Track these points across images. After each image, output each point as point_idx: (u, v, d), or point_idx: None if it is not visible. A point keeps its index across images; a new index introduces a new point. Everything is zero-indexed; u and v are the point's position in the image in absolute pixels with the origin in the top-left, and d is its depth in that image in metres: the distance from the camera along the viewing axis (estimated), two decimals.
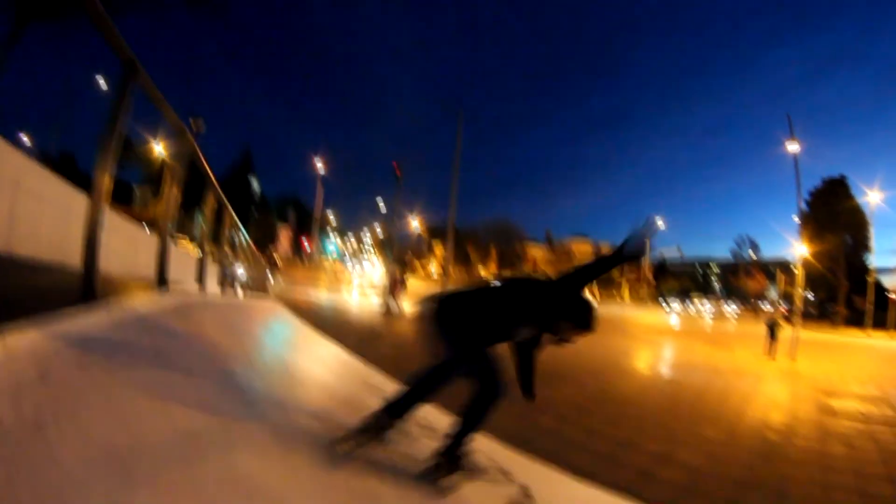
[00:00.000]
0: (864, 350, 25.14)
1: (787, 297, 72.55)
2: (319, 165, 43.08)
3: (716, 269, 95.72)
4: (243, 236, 8.97)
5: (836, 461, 5.84)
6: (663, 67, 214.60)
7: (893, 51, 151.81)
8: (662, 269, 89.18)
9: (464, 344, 2.69)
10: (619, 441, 5.91)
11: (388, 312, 17.86)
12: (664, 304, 59.03)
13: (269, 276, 19.45)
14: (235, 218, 7.18)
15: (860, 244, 49.60)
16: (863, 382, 12.65)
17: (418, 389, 2.78)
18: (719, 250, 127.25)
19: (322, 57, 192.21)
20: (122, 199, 48.66)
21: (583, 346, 3.11)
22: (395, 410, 2.73)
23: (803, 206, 48.34)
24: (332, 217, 69.20)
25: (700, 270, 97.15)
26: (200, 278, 5.97)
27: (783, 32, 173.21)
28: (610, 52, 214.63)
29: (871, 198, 36.04)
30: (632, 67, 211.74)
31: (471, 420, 2.65)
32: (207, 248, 6.71)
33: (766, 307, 77.87)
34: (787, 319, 27.46)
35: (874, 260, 45.94)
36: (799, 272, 19.76)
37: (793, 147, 19.12)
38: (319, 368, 5.21)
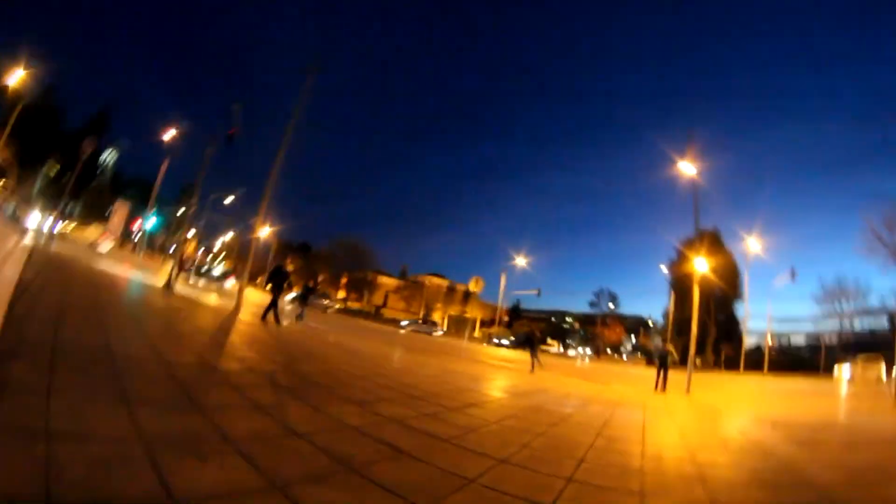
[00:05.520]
0: (747, 387, 24.45)
1: (643, 350, 76.41)
2: (168, 136, 33.70)
3: (570, 319, 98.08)
4: None
5: None
6: (542, 130, 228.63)
7: (767, 135, 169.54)
8: (516, 313, 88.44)
9: None
10: None
11: (167, 287, 16.61)
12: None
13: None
14: None
15: (729, 294, 51.93)
16: (793, 411, 11.72)
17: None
18: (578, 307, 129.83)
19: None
20: None
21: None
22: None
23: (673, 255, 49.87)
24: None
25: (555, 320, 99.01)
26: None
27: (658, 117, 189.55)
28: (492, 107, 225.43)
29: (748, 245, 36.29)
30: (510, 125, 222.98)
31: None
32: None
33: (625, 355, 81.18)
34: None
35: (746, 307, 47.28)
36: (695, 308, 16.91)
37: (689, 168, 16.81)
38: None
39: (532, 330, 16.52)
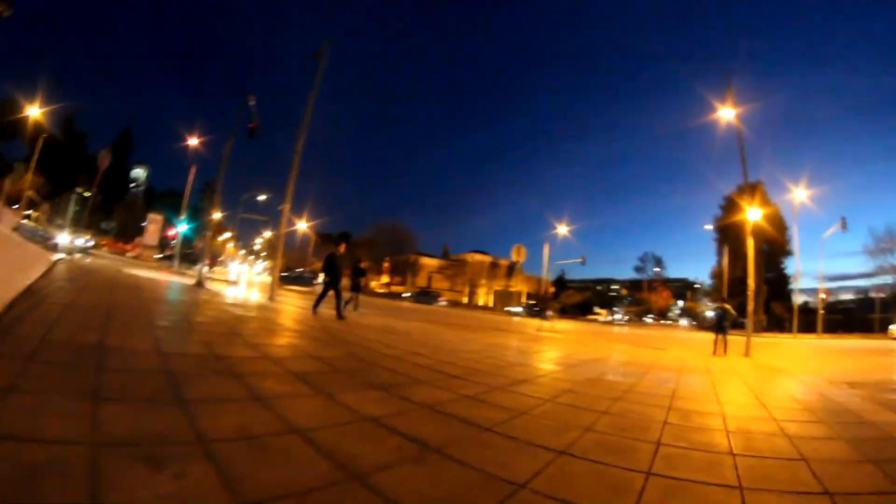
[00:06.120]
0: (805, 347, 23.58)
1: (690, 313, 74.01)
2: (192, 144, 33.25)
3: (616, 286, 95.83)
4: None
5: None
6: (569, 100, 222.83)
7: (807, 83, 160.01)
8: (561, 283, 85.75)
9: None
10: None
11: (198, 284, 17.14)
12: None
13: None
14: None
15: (778, 250, 49.40)
16: (863, 371, 10.74)
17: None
18: (624, 273, 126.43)
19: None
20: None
21: None
22: None
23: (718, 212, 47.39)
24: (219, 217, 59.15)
25: (600, 288, 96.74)
26: None
27: (685, 77, 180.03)
28: (521, 82, 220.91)
29: (796, 196, 33.89)
30: (539, 100, 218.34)
31: None
32: None
33: (673, 320, 78.88)
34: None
35: (797, 262, 44.95)
36: (750, 259, 15.50)
37: (730, 112, 15.34)
38: None
39: (544, 293, 15.95)
